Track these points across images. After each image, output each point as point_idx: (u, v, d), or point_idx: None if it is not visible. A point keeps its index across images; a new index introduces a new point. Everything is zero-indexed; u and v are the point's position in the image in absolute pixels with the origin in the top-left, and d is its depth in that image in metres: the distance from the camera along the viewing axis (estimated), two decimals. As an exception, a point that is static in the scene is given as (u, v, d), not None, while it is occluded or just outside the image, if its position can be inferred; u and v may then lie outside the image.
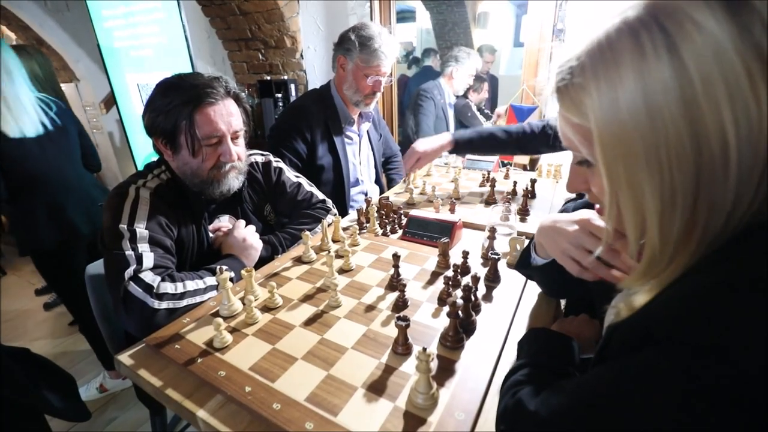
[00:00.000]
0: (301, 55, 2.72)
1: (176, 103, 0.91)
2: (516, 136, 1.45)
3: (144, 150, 2.58)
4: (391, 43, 1.51)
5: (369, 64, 1.48)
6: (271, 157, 1.27)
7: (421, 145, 1.50)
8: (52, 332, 2.36)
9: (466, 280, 0.94)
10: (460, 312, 0.72)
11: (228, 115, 0.96)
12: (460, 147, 1.52)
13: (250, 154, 1.21)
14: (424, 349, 0.58)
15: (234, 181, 1.03)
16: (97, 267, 1.20)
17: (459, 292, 0.76)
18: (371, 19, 2.37)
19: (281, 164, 1.28)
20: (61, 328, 2.39)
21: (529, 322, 0.84)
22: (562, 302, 0.95)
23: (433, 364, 0.60)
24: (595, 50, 0.40)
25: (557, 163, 1.71)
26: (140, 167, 2.76)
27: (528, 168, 2.13)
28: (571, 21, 1.87)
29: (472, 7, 5.56)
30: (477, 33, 5.70)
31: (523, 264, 0.86)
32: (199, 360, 0.71)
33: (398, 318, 0.69)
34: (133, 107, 2.62)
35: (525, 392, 0.52)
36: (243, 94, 1.02)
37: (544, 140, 1.43)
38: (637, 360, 0.38)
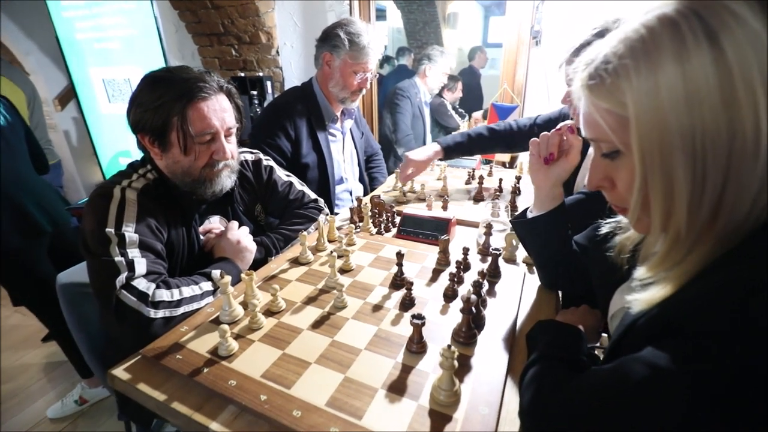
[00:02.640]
0: (277, 52, 2.64)
1: (167, 98, 0.85)
2: (503, 135, 1.48)
3: (110, 150, 2.39)
4: (378, 39, 1.50)
5: (358, 61, 1.46)
6: (261, 155, 1.22)
7: (414, 155, 1.49)
8: (12, 346, 2.18)
9: (470, 276, 0.95)
10: (473, 308, 0.72)
11: (221, 111, 0.92)
12: (450, 152, 1.51)
13: (240, 152, 1.16)
14: (449, 346, 0.58)
15: (227, 181, 0.99)
16: (68, 275, 1.13)
17: (470, 288, 0.76)
18: (350, 15, 2.34)
19: (271, 162, 1.24)
20: (22, 342, 2.21)
21: (534, 315, 0.86)
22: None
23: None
24: (634, 39, 0.42)
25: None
26: (105, 168, 2.61)
27: (508, 165, 2.18)
28: (548, 23, 1.93)
29: (442, 7, 5.64)
30: (447, 33, 5.79)
31: (519, 216, 0.89)
32: (205, 370, 0.67)
33: (413, 316, 0.69)
34: (97, 104, 2.44)
35: (546, 385, 0.53)
36: (235, 89, 0.98)
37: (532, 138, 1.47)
38: (664, 351, 0.39)
